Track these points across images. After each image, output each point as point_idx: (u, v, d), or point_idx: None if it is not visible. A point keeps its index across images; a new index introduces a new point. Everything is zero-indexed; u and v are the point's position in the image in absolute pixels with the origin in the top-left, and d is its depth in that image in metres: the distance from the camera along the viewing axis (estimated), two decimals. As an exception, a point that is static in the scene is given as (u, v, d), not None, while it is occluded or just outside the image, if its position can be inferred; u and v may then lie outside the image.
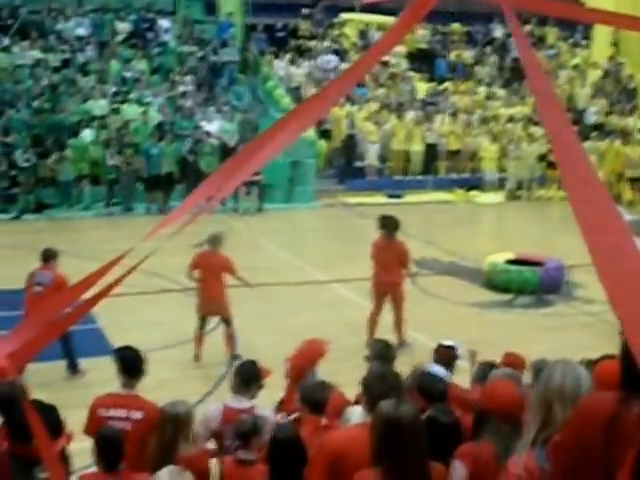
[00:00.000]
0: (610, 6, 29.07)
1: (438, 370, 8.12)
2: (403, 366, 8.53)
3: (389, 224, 15.30)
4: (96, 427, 7.44)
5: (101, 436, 6.67)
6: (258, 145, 3.14)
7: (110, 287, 3.00)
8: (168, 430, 6.93)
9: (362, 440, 5.51)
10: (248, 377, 8.12)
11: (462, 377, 8.76)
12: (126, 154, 26.31)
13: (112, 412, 7.62)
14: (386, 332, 14.57)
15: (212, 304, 14.32)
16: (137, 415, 7.55)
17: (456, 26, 38.58)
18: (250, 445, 6.70)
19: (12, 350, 2.79)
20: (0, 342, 2.91)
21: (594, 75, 36.40)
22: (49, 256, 13.19)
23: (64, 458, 6.15)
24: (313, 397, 7.38)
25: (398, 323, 15.28)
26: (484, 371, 7.96)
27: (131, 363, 7.87)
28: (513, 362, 8.60)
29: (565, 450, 3.53)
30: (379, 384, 5.88)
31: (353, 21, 37.66)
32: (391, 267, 15.12)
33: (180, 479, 5.47)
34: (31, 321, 3.10)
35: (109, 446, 6.53)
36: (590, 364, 6.74)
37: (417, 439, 5.09)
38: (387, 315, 15.35)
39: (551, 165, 30.38)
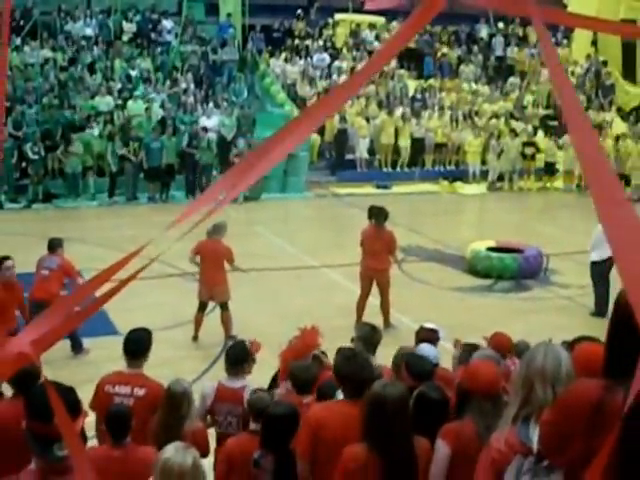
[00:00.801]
0: (592, 11, 29.17)
1: (428, 350, 8.13)
2: (389, 347, 8.61)
3: (379, 214, 15.41)
4: (101, 402, 7.58)
5: (109, 411, 6.76)
6: (267, 148, 3.15)
7: (128, 279, 3.02)
8: (173, 407, 7.03)
9: (338, 413, 5.82)
10: (238, 358, 8.26)
11: (445, 359, 8.80)
12: (130, 147, 26.40)
13: (117, 389, 7.73)
14: (374, 315, 14.68)
15: (214, 291, 14.45)
16: (140, 392, 7.65)
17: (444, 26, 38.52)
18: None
19: (35, 338, 2.84)
20: (24, 330, 2.97)
21: (574, 72, 36.43)
22: (55, 245, 13.59)
23: (82, 435, 6.22)
24: (299, 378, 7.47)
25: (385, 307, 15.36)
26: (469, 353, 7.97)
27: (134, 346, 7.98)
28: (500, 342, 8.65)
29: (551, 430, 3.57)
30: (347, 365, 6.03)
31: (345, 21, 37.67)
32: (379, 254, 15.20)
33: (186, 455, 5.50)
34: (53, 311, 3.14)
35: (117, 420, 6.61)
36: (565, 344, 6.77)
37: (401, 418, 5.17)
38: (375, 299, 15.44)
39: (525, 157, 30.55)
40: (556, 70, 2.52)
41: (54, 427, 4.95)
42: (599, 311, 15.84)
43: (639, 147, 29.85)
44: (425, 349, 8.10)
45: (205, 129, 27.70)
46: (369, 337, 8.48)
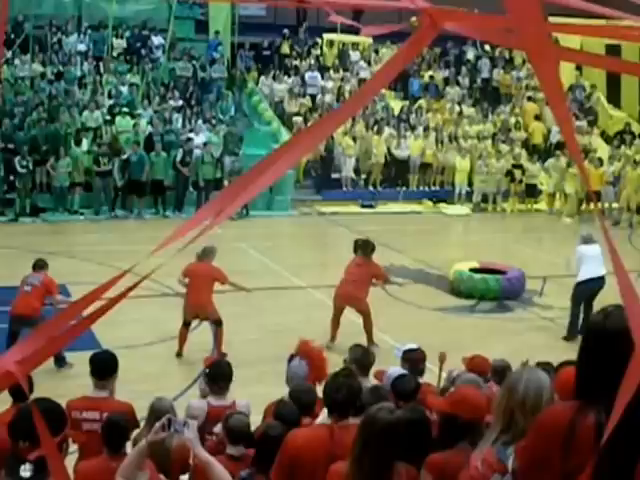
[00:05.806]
0: (577, 43, 29.32)
1: (398, 371, 8.15)
2: (372, 366, 8.62)
3: (365, 247, 15.61)
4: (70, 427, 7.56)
5: (107, 420, 6.77)
6: (260, 170, 3.18)
7: (114, 300, 3.04)
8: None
9: (321, 439, 5.73)
10: (226, 376, 8.27)
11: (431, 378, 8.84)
12: (101, 162, 26.52)
13: (85, 414, 7.74)
14: (357, 333, 14.68)
15: (199, 310, 14.56)
16: None
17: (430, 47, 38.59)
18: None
19: (22, 357, 2.85)
20: (10, 350, 2.98)
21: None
22: (40, 265, 13.83)
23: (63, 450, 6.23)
24: (302, 400, 7.39)
25: (368, 327, 15.42)
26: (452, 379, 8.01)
27: (100, 367, 8.02)
28: (478, 364, 8.65)
29: (527, 455, 3.58)
30: (335, 393, 5.99)
31: (334, 41, 37.77)
32: (360, 283, 15.35)
33: None
34: (41, 331, 3.16)
35: (114, 430, 6.61)
36: (543, 365, 6.76)
37: (385, 444, 5.04)
38: (359, 318, 15.47)
39: (514, 180, 30.64)
40: (554, 97, 2.51)
41: (22, 449, 4.95)
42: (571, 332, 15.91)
43: (638, 172, 29.79)
44: (394, 370, 8.12)
45: (199, 146, 27.84)
46: (362, 359, 8.49)
